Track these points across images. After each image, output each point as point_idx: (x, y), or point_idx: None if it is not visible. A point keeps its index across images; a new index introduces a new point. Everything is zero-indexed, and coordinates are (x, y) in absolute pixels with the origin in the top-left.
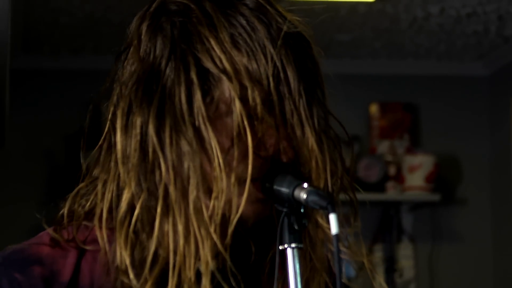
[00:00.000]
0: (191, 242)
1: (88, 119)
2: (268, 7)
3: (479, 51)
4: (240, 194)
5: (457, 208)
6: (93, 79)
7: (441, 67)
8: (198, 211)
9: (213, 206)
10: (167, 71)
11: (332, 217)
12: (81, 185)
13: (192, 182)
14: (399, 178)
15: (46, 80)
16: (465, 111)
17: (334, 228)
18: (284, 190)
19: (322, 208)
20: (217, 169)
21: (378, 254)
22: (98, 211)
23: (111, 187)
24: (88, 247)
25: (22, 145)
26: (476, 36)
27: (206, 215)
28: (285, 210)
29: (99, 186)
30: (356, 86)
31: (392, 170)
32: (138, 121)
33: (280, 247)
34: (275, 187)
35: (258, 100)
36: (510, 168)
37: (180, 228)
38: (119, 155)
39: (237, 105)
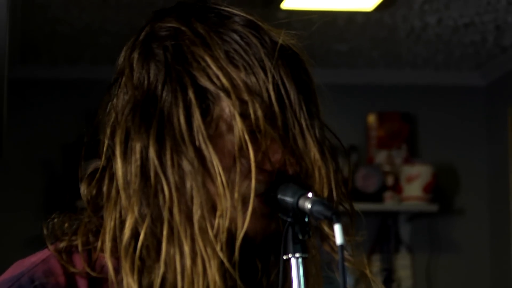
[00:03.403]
0: (198, 262)
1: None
2: (259, 23)
3: (477, 61)
4: (245, 210)
5: (455, 218)
6: (91, 89)
7: (438, 77)
8: (204, 231)
9: (218, 225)
10: (164, 94)
11: (337, 228)
12: (85, 217)
13: (196, 201)
14: (397, 188)
15: (44, 90)
16: (463, 120)
17: (339, 239)
18: (289, 199)
19: (326, 219)
20: (220, 187)
21: (376, 264)
22: (101, 239)
23: (113, 215)
24: (94, 274)
25: (20, 155)
26: (474, 46)
27: (211, 234)
28: (289, 219)
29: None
30: (353, 96)
31: (390, 180)
32: (137, 147)
33: (284, 257)
34: (279, 196)
35: (259, 113)
36: (508, 178)
37: (187, 249)
38: (120, 181)
39: (238, 121)
